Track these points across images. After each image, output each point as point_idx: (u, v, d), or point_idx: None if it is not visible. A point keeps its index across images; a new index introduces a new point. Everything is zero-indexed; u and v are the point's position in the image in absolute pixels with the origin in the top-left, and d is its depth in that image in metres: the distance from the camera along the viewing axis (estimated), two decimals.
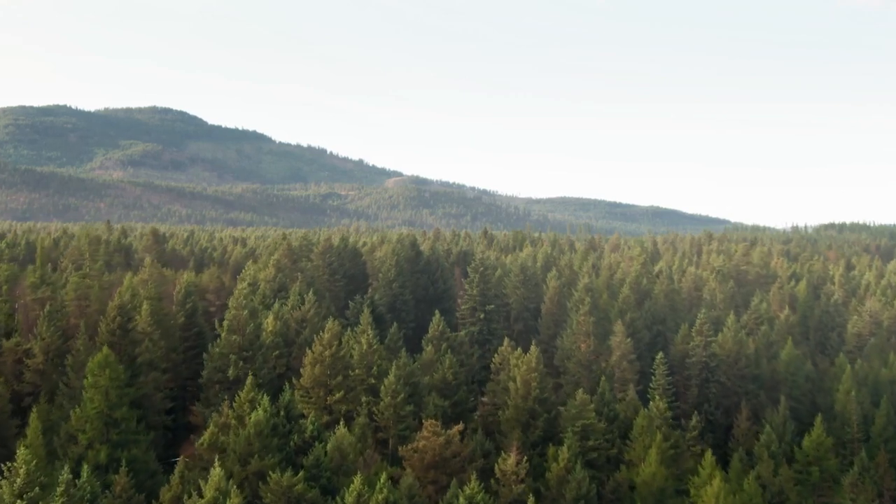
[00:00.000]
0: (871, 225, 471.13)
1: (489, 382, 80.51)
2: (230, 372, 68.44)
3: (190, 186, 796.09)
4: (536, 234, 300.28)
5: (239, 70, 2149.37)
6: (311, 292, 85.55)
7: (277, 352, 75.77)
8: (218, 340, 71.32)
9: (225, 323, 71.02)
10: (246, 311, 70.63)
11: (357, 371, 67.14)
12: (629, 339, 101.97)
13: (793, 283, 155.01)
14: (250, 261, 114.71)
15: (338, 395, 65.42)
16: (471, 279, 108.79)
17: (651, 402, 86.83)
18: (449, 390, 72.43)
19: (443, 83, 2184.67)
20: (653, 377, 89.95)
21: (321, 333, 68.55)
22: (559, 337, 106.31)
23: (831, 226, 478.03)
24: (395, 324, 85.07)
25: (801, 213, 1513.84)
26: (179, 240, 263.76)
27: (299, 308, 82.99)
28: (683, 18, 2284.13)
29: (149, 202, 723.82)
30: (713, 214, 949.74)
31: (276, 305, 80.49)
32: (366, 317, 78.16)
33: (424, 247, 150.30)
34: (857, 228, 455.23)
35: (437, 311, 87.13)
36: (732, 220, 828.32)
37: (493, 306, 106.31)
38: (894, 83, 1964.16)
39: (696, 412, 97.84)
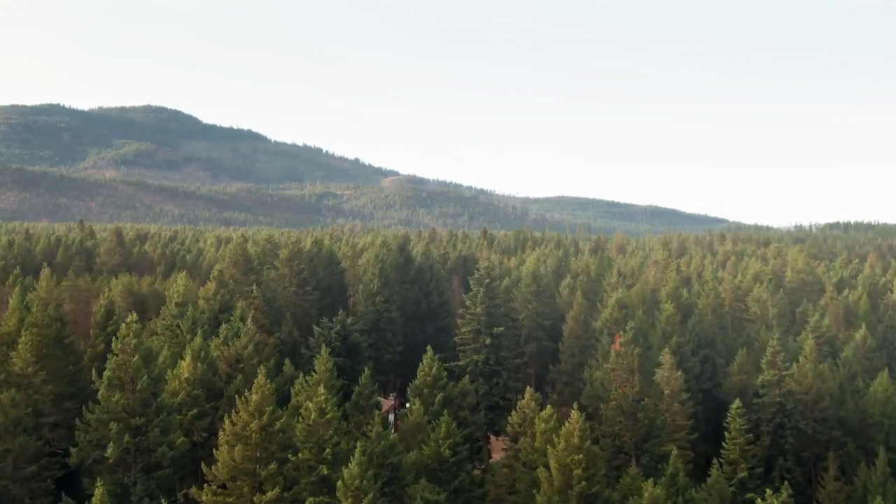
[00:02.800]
0: (877, 224, 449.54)
1: (505, 454, 55.53)
2: (109, 450, 43.39)
3: (183, 186, 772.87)
4: (539, 234, 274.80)
5: (234, 69, 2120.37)
6: (249, 318, 60.11)
7: (195, 411, 50.63)
8: (91, 405, 46.16)
9: (105, 374, 45.84)
10: (137, 357, 45.29)
11: (303, 454, 42.00)
12: (679, 373, 76.97)
13: (847, 291, 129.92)
14: (183, 272, 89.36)
15: (271, 495, 40.35)
16: (473, 293, 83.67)
17: (725, 466, 62.19)
18: (446, 472, 47.36)
19: (440, 82, 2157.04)
20: (725, 432, 65.00)
21: (247, 393, 43.19)
22: (587, 368, 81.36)
23: (836, 225, 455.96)
24: (366, 369, 59.54)
25: (799, 213, 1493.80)
26: (162, 240, 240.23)
27: (234, 341, 57.70)
28: (681, 18, 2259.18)
29: (141, 202, 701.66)
30: (712, 214, 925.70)
31: (198, 339, 55.25)
32: (323, 361, 53.00)
33: (417, 250, 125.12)
34: (862, 228, 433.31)
35: (428, 348, 61.57)
36: (731, 219, 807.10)
37: (502, 329, 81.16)
38: (892, 83, 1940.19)
39: (773, 470, 73.25)
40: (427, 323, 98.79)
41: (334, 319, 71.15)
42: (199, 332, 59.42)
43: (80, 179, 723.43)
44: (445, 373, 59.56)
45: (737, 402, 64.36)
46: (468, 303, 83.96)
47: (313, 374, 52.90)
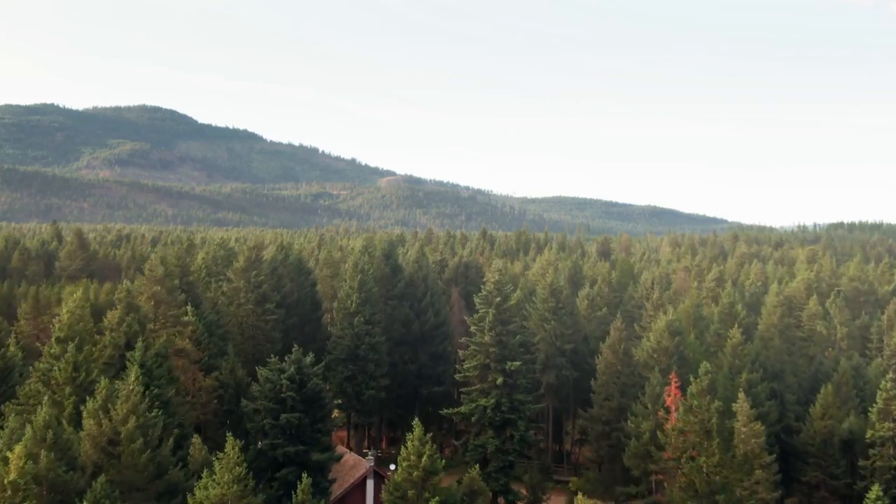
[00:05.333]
0: (882, 224, 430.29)
1: None
2: None
3: (178, 186, 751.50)
4: (541, 235, 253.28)
5: (230, 69, 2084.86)
6: (132, 376, 38.21)
7: None
8: None
9: None
10: None
11: None
12: (758, 424, 55.72)
13: None
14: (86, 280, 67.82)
15: None
16: (479, 316, 62.29)
17: None
18: None
19: (437, 82, 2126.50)
20: None
21: None
22: (630, 416, 60.19)
23: (840, 225, 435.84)
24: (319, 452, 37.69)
25: (797, 213, 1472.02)
26: (145, 241, 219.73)
27: (121, 405, 36.09)
28: (679, 18, 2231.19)
29: (134, 202, 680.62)
30: (710, 214, 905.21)
31: (43, 410, 33.85)
32: (230, 456, 31.48)
33: (409, 255, 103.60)
34: (867, 228, 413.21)
35: (416, 424, 39.50)
36: (730, 219, 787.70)
37: (518, 363, 59.70)
38: (890, 83, 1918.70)
39: None
40: (419, 349, 77.49)
41: (287, 358, 49.61)
42: (68, 390, 37.93)
43: (72, 179, 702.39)
44: (443, 461, 38.08)
45: (876, 489, 42.91)
46: (472, 328, 62.58)
47: (213, 480, 31.34)
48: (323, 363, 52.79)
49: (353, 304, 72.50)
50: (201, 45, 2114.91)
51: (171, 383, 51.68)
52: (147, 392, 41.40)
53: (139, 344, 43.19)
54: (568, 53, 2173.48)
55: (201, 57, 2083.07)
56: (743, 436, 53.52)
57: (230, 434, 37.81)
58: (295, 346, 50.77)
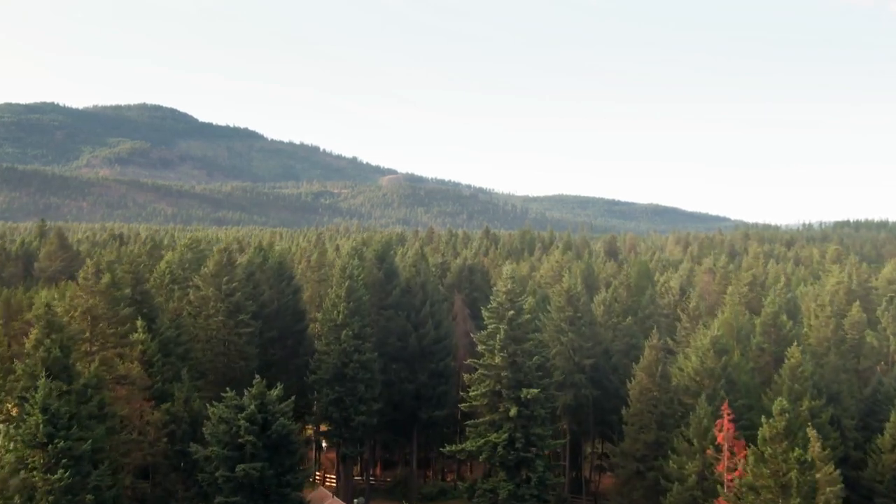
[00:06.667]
0: (889, 222, 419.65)
1: None
2: None
3: (177, 185, 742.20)
4: (546, 234, 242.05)
5: (231, 68, 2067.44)
6: (32, 422, 27.39)
7: None
8: None
9: None
10: None
11: None
12: (832, 468, 44.91)
13: None
14: None
15: None
16: (489, 333, 51.35)
17: None
18: None
19: (437, 83, 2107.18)
20: None
21: None
22: (672, 455, 49.33)
23: (846, 223, 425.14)
24: None
25: (799, 211, 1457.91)
26: (139, 241, 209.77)
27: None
28: (678, 18, 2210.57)
29: (133, 201, 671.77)
30: (713, 212, 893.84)
31: None
32: None
33: (407, 257, 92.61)
34: (873, 226, 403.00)
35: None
36: (732, 217, 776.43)
37: (536, 391, 48.76)
38: (890, 83, 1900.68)
39: None
40: (418, 366, 66.47)
41: (247, 392, 38.74)
42: None
43: (71, 178, 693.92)
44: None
45: None
46: (480, 346, 51.63)
47: None
48: (292, 399, 41.82)
49: (341, 316, 61.61)
50: (201, 45, 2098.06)
51: (105, 420, 41.08)
52: (50, 446, 30.75)
53: (41, 382, 32.30)
54: (568, 53, 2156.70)
55: (201, 57, 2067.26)
56: (817, 484, 42.70)
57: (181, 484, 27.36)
58: (257, 377, 39.73)
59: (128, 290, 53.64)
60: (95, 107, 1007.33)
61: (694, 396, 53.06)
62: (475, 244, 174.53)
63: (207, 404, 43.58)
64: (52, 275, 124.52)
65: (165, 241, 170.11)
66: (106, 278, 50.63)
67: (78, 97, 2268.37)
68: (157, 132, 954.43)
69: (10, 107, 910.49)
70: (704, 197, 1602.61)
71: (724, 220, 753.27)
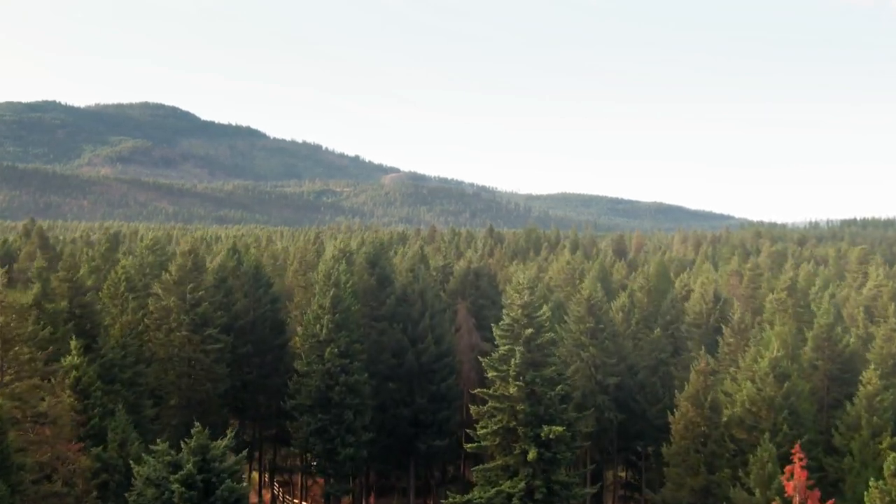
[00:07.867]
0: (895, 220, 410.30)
1: None
2: None
3: (179, 183, 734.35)
4: (552, 233, 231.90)
5: (233, 67, 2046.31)
6: None
7: None
8: None
9: None
10: None
11: None
12: None
13: None
14: None
15: None
16: (502, 356, 41.53)
17: None
18: None
19: (437, 83, 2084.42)
20: None
21: None
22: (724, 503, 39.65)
23: (853, 222, 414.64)
24: None
25: (803, 210, 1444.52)
26: (135, 240, 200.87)
27: None
28: (680, 18, 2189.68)
29: (135, 200, 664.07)
30: (717, 210, 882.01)
31: None
32: None
33: (405, 259, 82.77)
34: (879, 224, 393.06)
35: None
36: (737, 216, 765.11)
37: (561, 429, 39.01)
38: (890, 83, 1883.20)
39: None
40: (415, 387, 56.64)
41: (184, 445, 29.06)
42: None
43: (72, 177, 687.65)
44: None
45: None
46: (490, 374, 41.84)
47: None
48: (244, 453, 32.14)
49: (324, 330, 51.91)
50: (201, 45, 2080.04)
51: (11, 473, 31.61)
52: None
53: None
54: (568, 53, 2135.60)
55: (201, 57, 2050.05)
56: None
57: None
58: (196, 424, 29.89)
59: (63, 304, 44.02)
60: (97, 105, 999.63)
61: (748, 431, 43.31)
62: (479, 244, 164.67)
63: (151, 446, 33.96)
64: (32, 276, 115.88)
65: (128, 242, 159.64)
66: (35, 289, 41.06)
67: (79, 96, 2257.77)
68: (159, 131, 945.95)
69: (11, 105, 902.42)
70: (707, 195, 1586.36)
71: (729, 218, 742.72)
